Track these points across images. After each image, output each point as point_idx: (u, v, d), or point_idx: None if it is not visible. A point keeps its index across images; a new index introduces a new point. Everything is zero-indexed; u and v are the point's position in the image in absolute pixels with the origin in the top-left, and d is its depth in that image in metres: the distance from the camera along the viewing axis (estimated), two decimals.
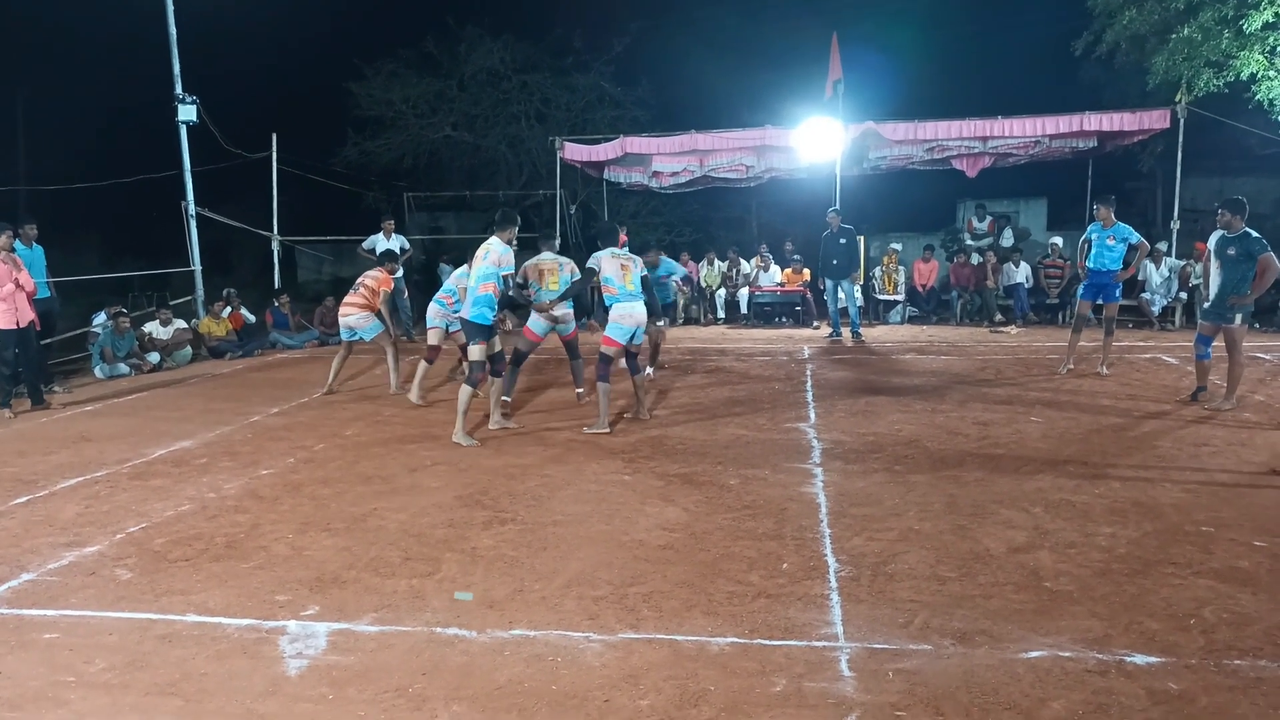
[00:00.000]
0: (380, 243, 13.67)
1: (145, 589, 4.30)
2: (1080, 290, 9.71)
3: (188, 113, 13.90)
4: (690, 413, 8.06)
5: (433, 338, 8.88)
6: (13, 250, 8.89)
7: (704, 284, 16.43)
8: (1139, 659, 3.36)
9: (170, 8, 13.64)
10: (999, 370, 9.87)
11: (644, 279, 7.46)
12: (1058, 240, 15.36)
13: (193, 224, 14.32)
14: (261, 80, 21.85)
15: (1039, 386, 8.87)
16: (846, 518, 5.05)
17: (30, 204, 17.49)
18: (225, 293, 13.75)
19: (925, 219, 19.82)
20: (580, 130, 19.14)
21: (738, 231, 21.87)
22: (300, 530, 5.08)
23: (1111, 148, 15.16)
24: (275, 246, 16.10)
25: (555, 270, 7.96)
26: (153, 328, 12.18)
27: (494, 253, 7.05)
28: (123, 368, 11.26)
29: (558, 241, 8.68)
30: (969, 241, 16.39)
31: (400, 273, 14.24)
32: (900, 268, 15.47)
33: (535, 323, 7.93)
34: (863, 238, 15.24)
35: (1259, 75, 12.34)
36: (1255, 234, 7.29)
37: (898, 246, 15.86)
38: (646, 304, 7.43)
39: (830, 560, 4.43)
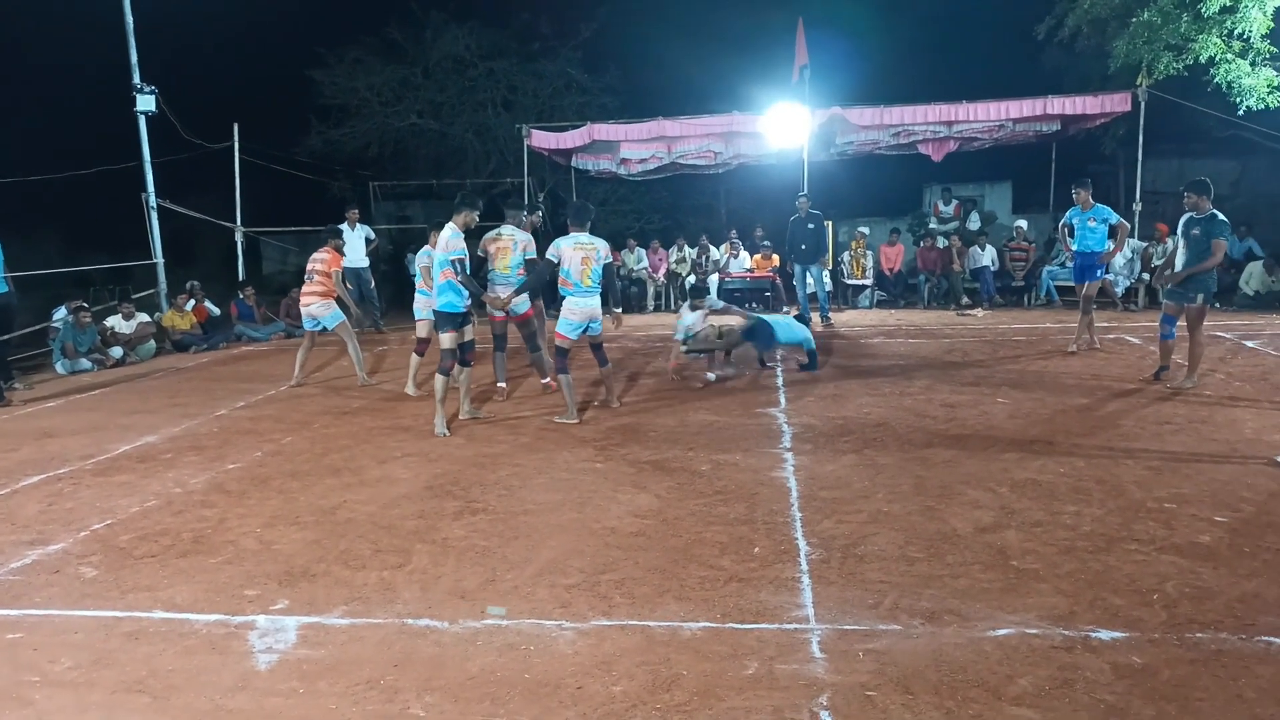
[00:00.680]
0: (345, 233, 13.52)
1: (111, 586, 4.24)
2: (1071, 275, 9.95)
3: (146, 103, 13.66)
4: (661, 399, 8.07)
5: (421, 330, 8.73)
6: None
7: (674, 270, 16.43)
8: (1104, 634, 3.42)
9: None
10: (966, 352, 9.96)
11: (606, 266, 7.25)
12: (1022, 223, 15.50)
13: (154, 216, 14.10)
14: (222, 69, 21.55)
15: (1005, 368, 8.96)
16: (816, 501, 5.09)
17: None
18: (189, 285, 13.57)
19: (892, 203, 19.94)
20: (548, 117, 19.05)
21: (707, 218, 21.88)
22: (268, 524, 5.04)
23: (1074, 131, 15.32)
24: (239, 238, 15.88)
25: (508, 249, 7.82)
26: (115, 322, 12.00)
27: (442, 238, 6.99)
28: (85, 363, 11.09)
29: (524, 215, 8.36)
30: (935, 225, 16.50)
31: (368, 263, 14.16)
32: (868, 252, 15.55)
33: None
34: (830, 223, 15.32)
35: (1217, 58, 12.49)
36: (1221, 216, 7.41)
37: (865, 230, 15.94)
38: (603, 295, 7.27)
39: (801, 543, 4.46)
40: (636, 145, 15.71)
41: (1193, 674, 3.13)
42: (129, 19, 13.46)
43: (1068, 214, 9.66)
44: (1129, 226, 9.95)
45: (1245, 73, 12.46)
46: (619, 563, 4.29)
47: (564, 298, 7.23)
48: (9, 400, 9.09)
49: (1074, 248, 9.53)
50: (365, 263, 13.99)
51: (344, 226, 13.87)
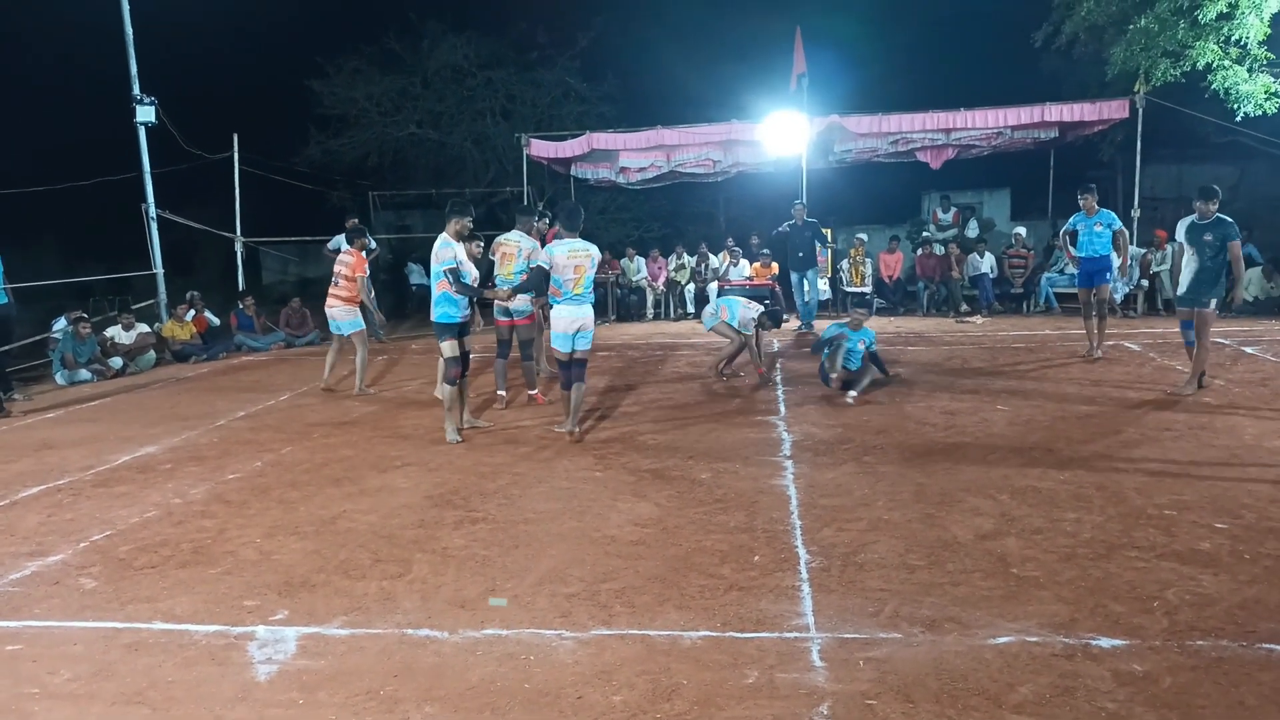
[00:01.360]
0: (345, 243, 13.53)
1: (110, 597, 4.24)
2: (1075, 280, 9.99)
3: (146, 114, 13.68)
4: (661, 407, 8.07)
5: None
6: None
7: (673, 279, 16.45)
8: (1104, 642, 3.41)
9: (126, 7, 13.40)
10: (965, 360, 9.97)
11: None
12: (1021, 230, 15.52)
13: (154, 226, 14.11)
14: (221, 80, 21.53)
15: (1005, 375, 8.96)
16: (816, 509, 5.09)
17: None
18: (188, 295, 13.58)
19: (891, 211, 19.98)
20: (546, 126, 19.08)
21: (706, 226, 21.89)
22: (268, 534, 5.03)
23: (1072, 138, 15.36)
24: (238, 248, 15.90)
25: (513, 256, 7.82)
26: (115, 332, 12.00)
27: (434, 250, 6.86)
28: (84, 374, 11.09)
29: (534, 221, 8.22)
30: (934, 233, 16.53)
31: (368, 272, 14.14)
32: (867, 259, 15.57)
33: (496, 310, 7.93)
34: (829, 230, 15.35)
35: (1214, 65, 12.54)
36: (1228, 219, 7.44)
37: (864, 237, 15.95)
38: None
39: (801, 552, 4.45)
40: (635, 154, 15.75)
41: (1194, 681, 3.12)
42: (128, 30, 13.50)
43: (1070, 220, 9.65)
44: (1126, 233, 9.96)
45: (1242, 79, 12.51)
46: (619, 571, 4.28)
47: (552, 307, 6.95)
48: (8, 411, 9.09)
49: (1077, 254, 9.53)
50: (366, 272, 13.97)
51: (344, 236, 13.90)
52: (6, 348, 9.86)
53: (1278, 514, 4.72)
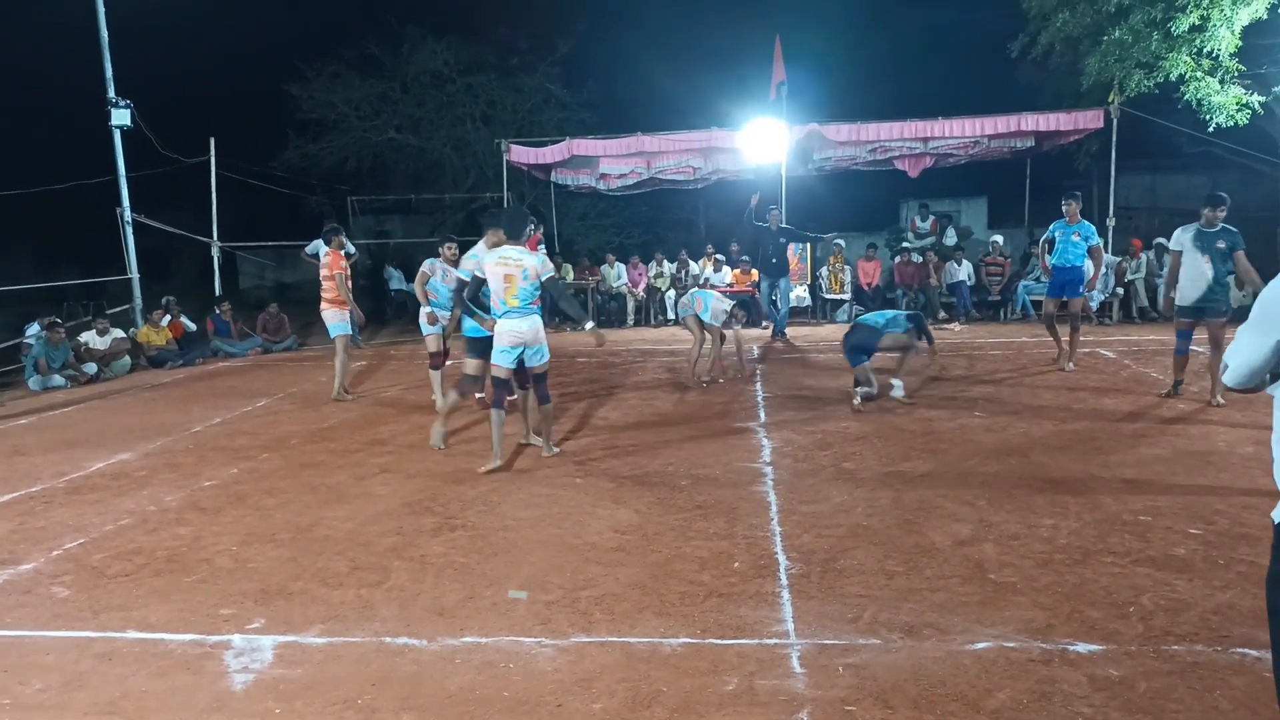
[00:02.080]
0: (323, 247, 13.45)
1: (83, 606, 4.18)
2: (1046, 288, 9.92)
3: (121, 117, 13.56)
4: (641, 414, 8.07)
5: (431, 344, 8.34)
6: None
7: (654, 285, 16.46)
8: (1081, 647, 3.44)
9: (101, 9, 13.29)
10: (943, 367, 10.02)
11: (550, 281, 6.21)
12: (998, 238, 15.65)
13: (129, 231, 13.98)
14: (199, 83, 21.43)
15: (982, 383, 9.03)
16: (796, 515, 5.10)
17: None
18: (164, 301, 13.45)
19: (869, 219, 20.08)
20: (527, 132, 19.07)
21: (686, 233, 21.95)
22: (244, 542, 4.99)
23: (1048, 147, 15.53)
24: (215, 253, 15.78)
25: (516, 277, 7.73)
26: (89, 338, 11.87)
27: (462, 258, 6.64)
28: (58, 379, 10.96)
29: (530, 226, 8.07)
30: (912, 241, 16.63)
31: (347, 269, 14.05)
32: (846, 266, 15.64)
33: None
34: (841, 244, 15.40)
35: (1187, 76, 12.71)
36: (1233, 227, 7.44)
37: (841, 243, 15.95)
38: (563, 310, 6.68)
39: (781, 558, 4.46)
40: (616, 160, 15.77)
41: (1169, 686, 3.15)
42: (104, 32, 13.39)
43: (1051, 228, 9.57)
44: (1102, 253, 9.95)
45: (1215, 90, 12.68)
46: (599, 579, 4.28)
47: (496, 319, 6.32)
48: None
49: (1052, 263, 9.51)
50: (342, 269, 13.89)
51: (321, 240, 13.81)
52: None
53: (1251, 520, 4.77)
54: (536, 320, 6.24)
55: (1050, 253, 9.55)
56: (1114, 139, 13.71)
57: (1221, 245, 7.38)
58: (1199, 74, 12.68)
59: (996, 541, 4.57)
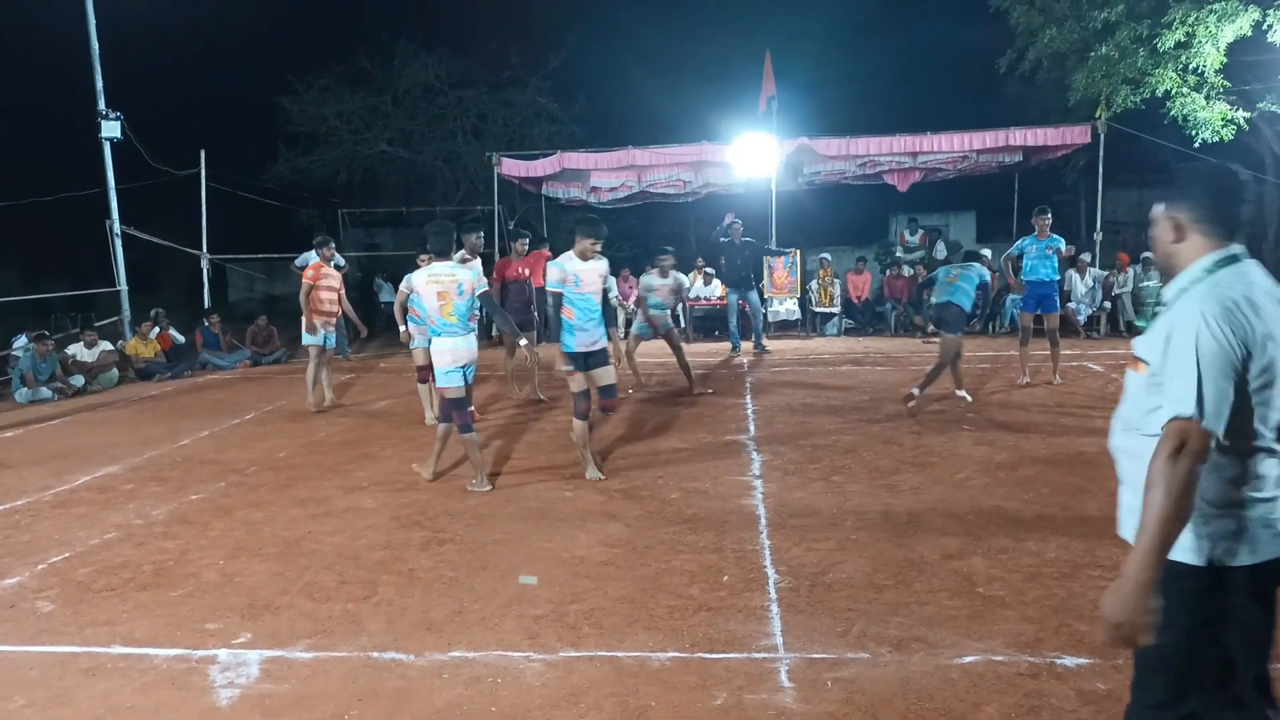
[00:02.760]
0: (313, 258, 13.41)
1: (68, 621, 4.15)
2: (1020, 303, 9.91)
3: (111, 129, 13.55)
4: (632, 426, 8.06)
5: (419, 358, 8.19)
6: None
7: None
8: (1069, 661, 3.44)
9: (92, 21, 13.29)
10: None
11: (484, 296, 6.14)
12: (986, 252, 15.67)
13: (118, 243, 13.95)
14: (190, 96, 21.46)
15: (970, 396, 9.04)
16: (786, 529, 5.10)
17: None
18: (153, 313, 13.40)
19: (859, 232, 20.21)
20: (518, 146, 19.10)
21: (677, 246, 21.90)
22: (231, 556, 4.96)
23: (1036, 162, 15.62)
24: (205, 265, 15.75)
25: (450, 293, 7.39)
26: (77, 350, 11.82)
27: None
28: (45, 392, 10.90)
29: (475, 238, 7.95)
30: (901, 254, 16.70)
31: (330, 281, 14.02)
32: (836, 280, 15.69)
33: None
34: (798, 251, 15.46)
35: (1173, 92, 12.83)
36: None
37: (827, 256, 15.99)
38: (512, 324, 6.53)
39: (770, 571, 4.46)
40: (606, 174, 15.81)
41: None
42: (94, 44, 13.38)
43: (1020, 243, 9.47)
44: (1065, 252, 9.83)
45: (1200, 106, 12.81)
46: (588, 593, 4.27)
47: (435, 338, 6.15)
48: None
49: (1025, 278, 9.36)
50: (314, 279, 13.87)
51: (312, 253, 13.77)
52: None
53: None
54: (474, 339, 6.19)
55: (1017, 269, 9.47)
56: (1101, 154, 13.82)
57: None
58: (1185, 90, 12.81)
59: (985, 555, 4.58)
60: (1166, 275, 2.31)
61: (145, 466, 7.21)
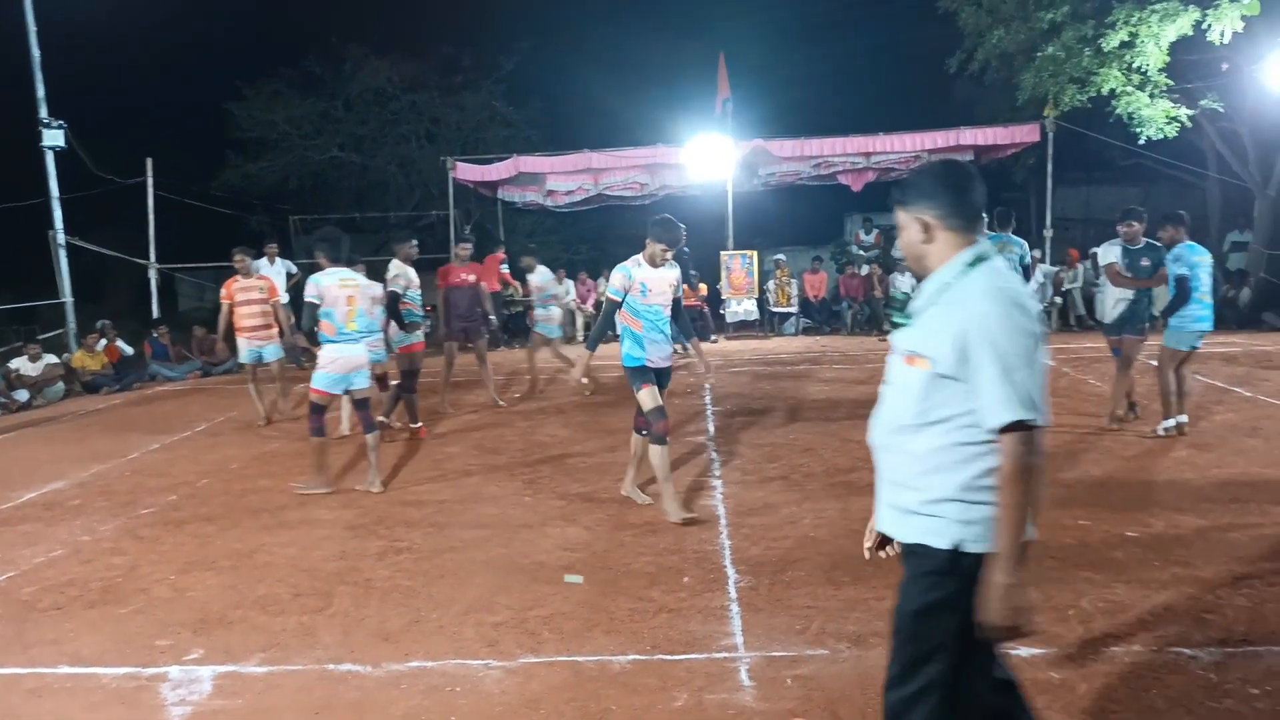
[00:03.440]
0: (264, 268, 13.22)
1: (12, 640, 4.04)
2: None
3: (54, 138, 13.22)
4: (590, 430, 8.04)
5: (392, 366, 8.12)
6: None
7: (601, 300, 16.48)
8: (1023, 651, 3.47)
9: (32, 26, 12.96)
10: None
11: (393, 296, 6.22)
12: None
13: (62, 254, 13.62)
14: (135, 103, 20.97)
15: None
16: (745, 528, 5.11)
17: None
18: (99, 324, 13.09)
19: (815, 232, 20.37)
20: (472, 150, 18.99)
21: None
22: (183, 570, 4.86)
23: (987, 161, 15.85)
24: (153, 274, 15.43)
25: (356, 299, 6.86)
26: (20, 364, 11.52)
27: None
28: None
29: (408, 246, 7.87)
30: (857, 253, 16.86)
31: (286, 299, 13.84)
32: (792, 280, 15.80)
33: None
34: (755, 253, 15.54)
35: (1118, 91, 13.09)
36: (1156, 242, 7.44)
37: (781, 257, 16.09)
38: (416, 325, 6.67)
39: (730, 571, 4.46)
40: (563, 177, 15.78)
41: (1108, 687, 3.20)
42: (35, 51, 13.05)
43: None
44: (1033, 270, 9.85)
45: (1144, 104, 13.07)
46: (547, 598, 4.24)
47: (325, 344, 6.18)
48: None
49: None
50: (286, 298, 13.68)
51: (263, 261, 13.57)
52: None
53: (1185, 523, 4.89)
54: (365, 349, 6.33)
55: None
56: (1050, 152, 14.08)
57: (1146, 263, 7.40)
58: (1130, 89, 13.07)
59: None
60: (919, 275, 2.33)
61: (93, 481, 7.04)
